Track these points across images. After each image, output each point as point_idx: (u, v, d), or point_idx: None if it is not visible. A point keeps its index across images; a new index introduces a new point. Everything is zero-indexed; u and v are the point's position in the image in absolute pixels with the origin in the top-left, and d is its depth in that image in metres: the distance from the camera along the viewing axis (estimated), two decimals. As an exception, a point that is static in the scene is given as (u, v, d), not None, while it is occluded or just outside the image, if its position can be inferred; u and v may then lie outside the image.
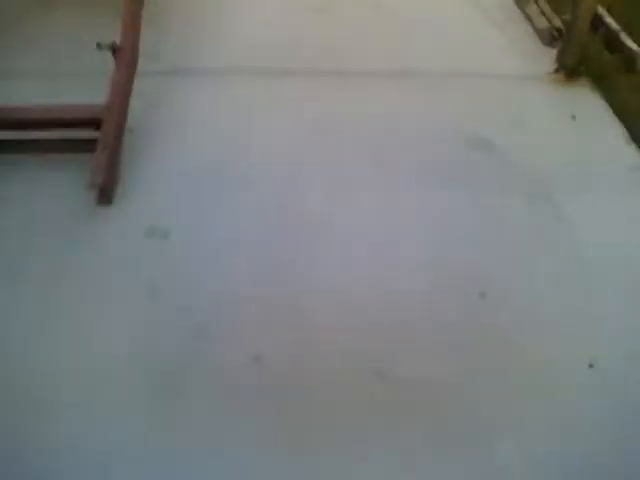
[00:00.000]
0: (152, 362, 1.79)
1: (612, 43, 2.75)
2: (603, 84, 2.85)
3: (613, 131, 2.63)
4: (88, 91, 2.27)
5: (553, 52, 2.97)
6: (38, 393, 1.71)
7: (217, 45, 2.95)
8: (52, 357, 1.78)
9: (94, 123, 2.21)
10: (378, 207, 2.24)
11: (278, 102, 2.66)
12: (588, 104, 2.76)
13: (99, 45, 2.28)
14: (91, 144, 2.18)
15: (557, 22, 3.08)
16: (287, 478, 1.59)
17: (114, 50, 2.31)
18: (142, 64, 2.47)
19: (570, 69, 2.88)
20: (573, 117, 2.70)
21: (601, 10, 2.79)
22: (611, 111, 2.71)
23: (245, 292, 1.96)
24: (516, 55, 3.05)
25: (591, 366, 1.83)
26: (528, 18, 3.25)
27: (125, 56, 2.33)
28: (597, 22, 2.79)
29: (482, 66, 2.98)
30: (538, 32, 3.15)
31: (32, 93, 2.44)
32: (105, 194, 2.15)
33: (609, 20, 2.77)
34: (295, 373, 1.78)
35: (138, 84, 2.42)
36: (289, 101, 2.68)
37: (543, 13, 3.22)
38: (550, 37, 3.08)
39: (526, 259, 2.12)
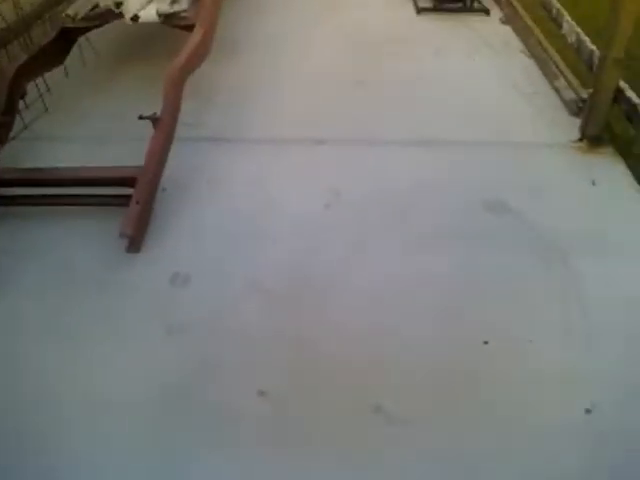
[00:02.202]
0: (163, 390, 1.94)
1: (632, 115, 2.81)
2: (625, 152, 2.90)
3: (632, 195, 2.67)
4: (129, 156, 2.54)
5: (578, 122, 3.06)
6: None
7: (252, 116, 3.21)
8: (78, 384, 1.98)
9: (130, 182, 2.46)
10: (394, 267, 2.35)
11: (307, 170, 2.86)
12: (609, 171, 2.81)
13: (141, 116, 2.56)
14: (126, 199, 2.42)
15: (584, 94, 3.17)
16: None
17: (154, 120, 2.58)
18: (181, 131, 2.73)
19: (593, 138, 2.95)
20: (593, 182, 2.75)
21: (622, 84, 2.87)
22: (632, 177, 2.76)
23: (255, 334, 2.12)
24: (542, 124, 3.15)
25: (588, 411, 1.86)
26: (556, 90, 3.36)
27: (163, 126, 2.59)
28: (619, 95, 2.87)
29: (508, 134, 3.10)
30: (565, 103, 3.25)
31: (80, 156, 2.74)
32: (134, 243, 2.37)
33: (629, 94, 2.84)
34: (297, 406, 1.91)
35: (175, 149, 2.67)
36: (320, 168, 2.86)
37: (570, 86, 3.32)
38: (577, 108, 3.17)
39: (531, 312, 2.18)
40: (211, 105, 3.27)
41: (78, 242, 2.45)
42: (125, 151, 2.67)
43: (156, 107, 2.63)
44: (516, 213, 2.58)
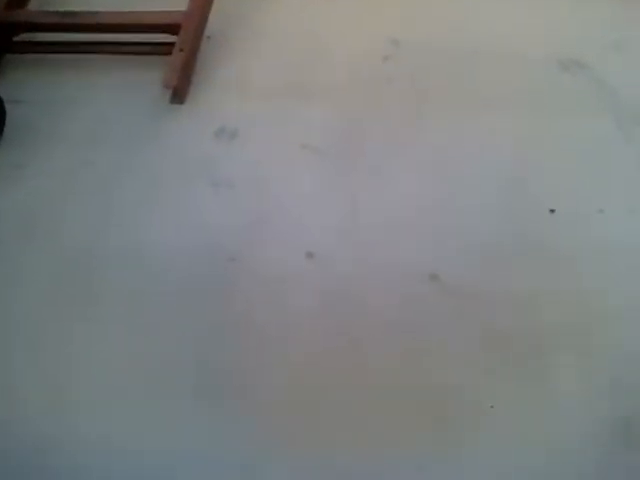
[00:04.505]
0: (208, 247, 1.89)
1: None
2: None
3: None
4: (172, 1, 2.34)
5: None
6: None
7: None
8: (116, 236, 1.94)
9: (173, 28, 2.29)
10: (457, 128, 2.17)
11: (362, 17, 2.58)
12: None
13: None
14: (169, 48, 2.26)
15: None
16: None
17: (198, -38, 2.35)
18: (226, -26, 2.51)
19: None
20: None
21: None
22: None
23: (305, 193, 2.01)
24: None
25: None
26: None
27: (208, -33, 2.38)
28: None
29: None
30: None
31: (119, 1, 2.49)
32: (178, 94, 2.23)
33: None
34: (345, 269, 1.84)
35: (221, -5, 2.46)
36: (376, 16, 2.59)
37: None
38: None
39: (604, 180, 2.02)
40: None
41: (118, 92, 2.31)
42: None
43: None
44: (594, 74, 2.32)
